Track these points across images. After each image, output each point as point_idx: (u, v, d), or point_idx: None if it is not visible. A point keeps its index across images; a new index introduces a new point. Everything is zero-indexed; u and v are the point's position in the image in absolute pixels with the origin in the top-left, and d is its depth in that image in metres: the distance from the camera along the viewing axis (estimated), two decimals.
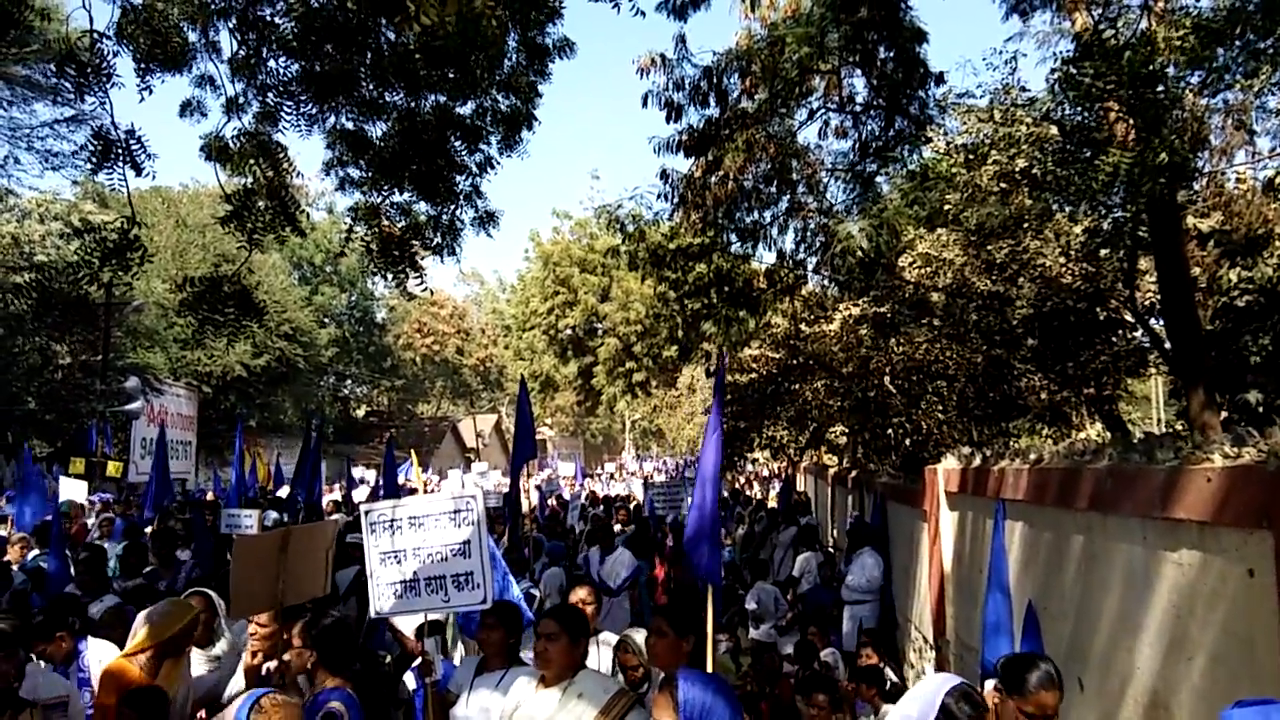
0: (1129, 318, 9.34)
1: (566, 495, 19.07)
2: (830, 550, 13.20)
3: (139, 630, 4.03)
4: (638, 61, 10.58)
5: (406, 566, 3.91)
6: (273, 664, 3.95)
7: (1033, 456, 4.60)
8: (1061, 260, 8.80)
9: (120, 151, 5.52)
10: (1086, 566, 3.99)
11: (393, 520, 3.95)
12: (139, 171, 5.55)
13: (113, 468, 18.79)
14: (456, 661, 4.77)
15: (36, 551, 8.57)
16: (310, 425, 12.29)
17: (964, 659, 5.89)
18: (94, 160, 5.58)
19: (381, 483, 14.44)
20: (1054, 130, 8.10)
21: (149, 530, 10.28)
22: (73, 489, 14.44)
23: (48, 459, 22.88)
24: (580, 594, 4.88)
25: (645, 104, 10.90)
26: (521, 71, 7.24)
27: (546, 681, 3.49)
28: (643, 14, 5.54)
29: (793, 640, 8.16)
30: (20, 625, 3.23)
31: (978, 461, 5.71)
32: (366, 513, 4.02)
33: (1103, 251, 8.69)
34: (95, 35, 5.46)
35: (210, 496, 17.34)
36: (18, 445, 23.15)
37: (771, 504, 16.74)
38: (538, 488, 17.53)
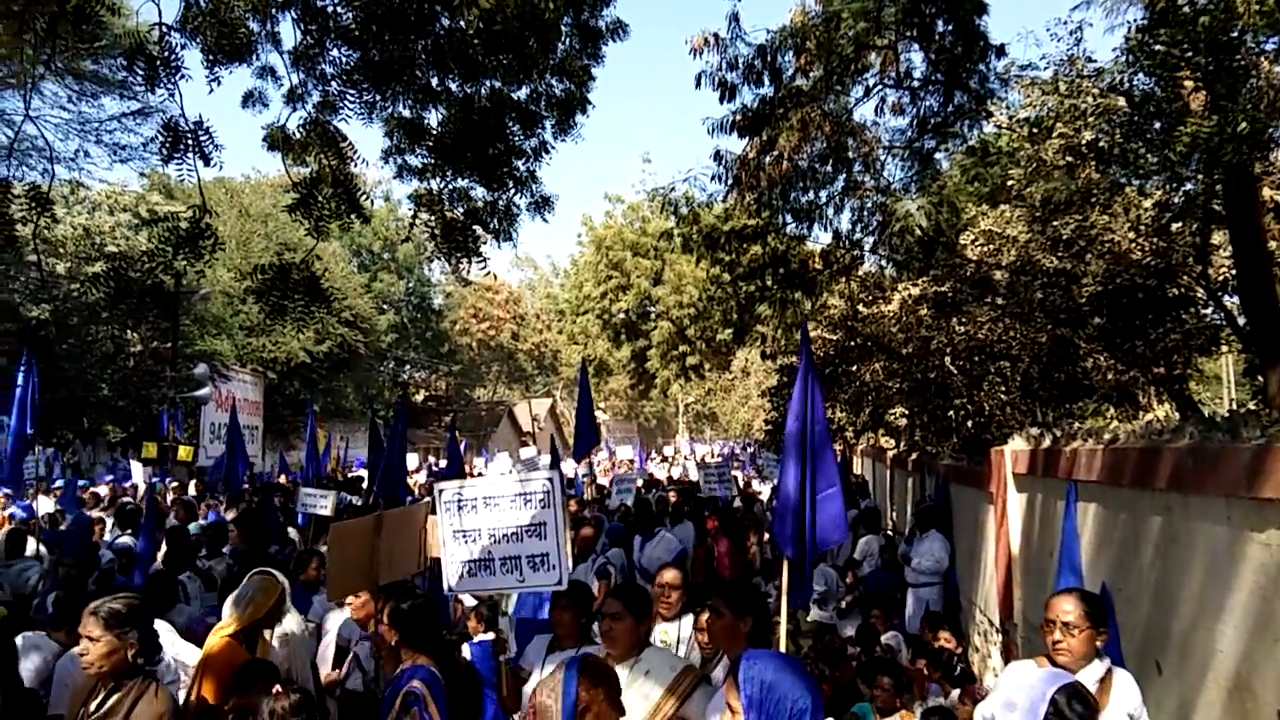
0: (1201, 294, 9.04)
1: (603, 480, 19.08)
2: (890, 534, 13.08)
3: (234, 608, 4.17)
4: (691, 41, 10.51)
5: (480, 545, 3.97)
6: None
7: (1107, 436, 4.49)
8: (1131, 235, 8.54)
9: (189, 142, 5.65)
10: (1165, 548, 3.88)
11: (467, 499, 4.00)
12: (207, 161, 5.66)
13: (184, 452, 19.38)
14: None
15: (119, 532, 8.86)
16: (374, 411, 12.54)
17: (1032, 642, 5.79)
18: (164, 151, 5.71)
19: (445, 465, 14.67)
20: (1122, 102, 7.83)
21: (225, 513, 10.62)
22: (139, 472, 14.96)
23: (121, 444, 23.72)
24: (667, 576, 4.87)
25: (698, 84, 10.83)
26: (575, 55, 7.24)
27: (613, 659, 3.52)
28: None
29: (853, 623, 8.10)
30: (136, 604, 3.29)
31: (1047, 442, 5.59)
32: (440, 491, 4.07)
33: (1174, 225, 8.41)
34: (164, 28, 5.59)
35: (283, 479, 17.78)
36: (94, 431, 24.05)
37: None
38: (593, 474, 17.67)
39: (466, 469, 16.80)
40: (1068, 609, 3.32)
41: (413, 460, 23.12)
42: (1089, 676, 3.23)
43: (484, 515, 3.99)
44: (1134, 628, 4.03)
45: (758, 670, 2.38)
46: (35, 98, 18.39)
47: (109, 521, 9.98)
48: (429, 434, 41.16)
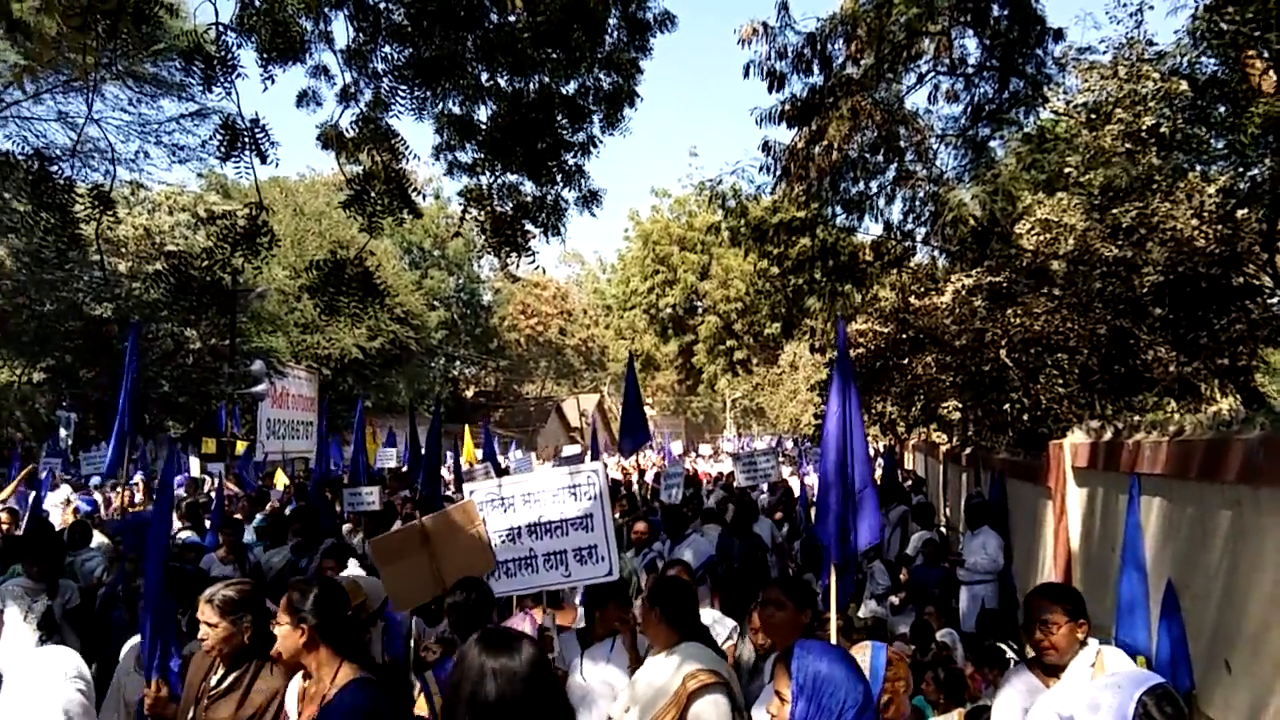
0: (1268, 283, 8.74)
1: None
2: (943, 530, 12.88)
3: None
4: (739, 31, 10.44)
5: (522, 544, 3.92)
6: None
7: (1172, 428, 4.36)
8: (1194, 223, 8.27)
9: (246, 141, 5.76)
10: (1234, 543, 3.76)
11: (504, 498, 3.96)
12: (264, 159, 5.78)
13: (241, 447, 19.81)
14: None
15: (179, 526, 9.07)
16: (413, 407, 12.71)
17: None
18: (222, 150, 5.84)
19: (481, 460, 14.77)
20: (1184, 85, 7.60)
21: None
22: (196, 467, 15.36)
23: (182, 439, 24.33)
24: (670, 573, 4.87)
25: (747, 74, 10.76)
26: (623, 48, 7.23)
27: (654, 651, 3.52)
28: None
29: (907, 620, 8.00)
30: (248, 590, 3.42)
31: (1109, 435, 5.45)
32: (472, 493, 4.02)
33: (1240, 212, 8.13)
34: (220, 28, 5.70)
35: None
36: (156, 426, 24.71)
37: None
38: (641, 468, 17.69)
39: (503, 463, 16.97)
40: (1042, 608, 3.39)
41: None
42: (1080, 663, 3.30)
43: (523, 512, 3.94)
44: (1202, 625, 3.91)
45: (811, 660, 2.33)
46: (97, 100, 18.92)
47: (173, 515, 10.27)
48: (478, 429, 41.55)
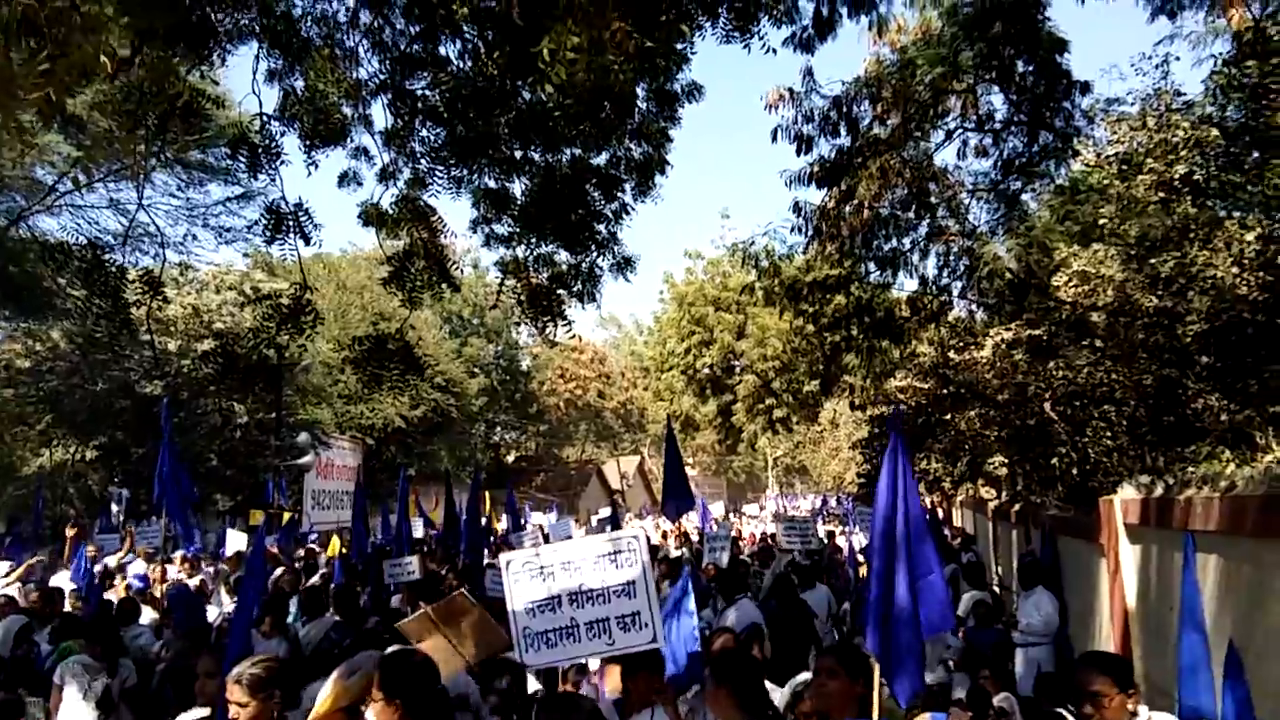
0: None
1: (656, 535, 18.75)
2: (995, 589, 12.54)
3: (342, 680, 4.25)
4: (766, 97, 10.63)
5: (563, 613, 3.83)
6: None
7: (1223, 484, 4.26)
8: (1234, 270, 8.16)
9: (290, 224, 5.97)
10: None
11: (542, 567, 3.89)
12: (308, 241, 5.98)
13: (288, 519, 19.97)
14: None
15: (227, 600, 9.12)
16: (449, 474, 12.79)
17: (1155, 703, 5.45)
18: (267, 232, 6.05)
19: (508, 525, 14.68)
20: (1215, 133, 7.58)
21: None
22: (237, 541, 15.50)
23: (230, 512, 24.63)
24: (718, 642, 4.81)
25: (775, 139, 10.89)
26: (652, 119, 7.40)
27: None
28: (774, 51, 5.57)
29: (962, 685, 7.76)
30: (274, 666, 3.49)
31: (1159, 491, 5.34)
32: (508, 563, 3.96)
33: None
34: (265, 118, 5.95)
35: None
36: (204, 500, 25.06)
37: None
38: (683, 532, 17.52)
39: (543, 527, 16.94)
40: (1091, 679, 3.30)
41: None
42: None
43: (562, 579, 3.84)
44: (1265, 686, 3.77)
45: None
46: (146, 187, 19.69)
47: (221, 589, 10.36)
48: (520, 494, 41.55)
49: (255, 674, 3.37)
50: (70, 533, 11.98)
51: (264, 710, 3.32)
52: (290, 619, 8.20)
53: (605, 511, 27.22)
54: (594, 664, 5.53)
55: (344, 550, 16.52)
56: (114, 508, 20.28)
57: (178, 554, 13.17)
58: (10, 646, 6.71)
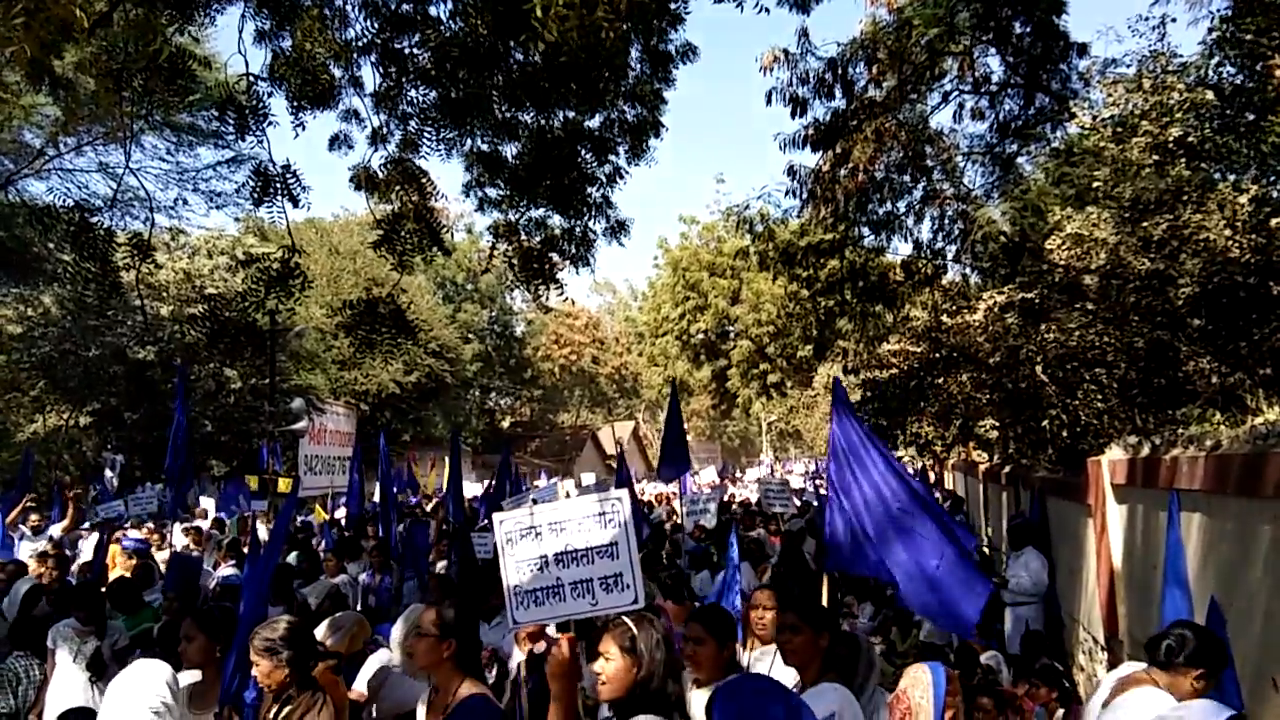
0: None
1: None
2: (985, 550, 12.67)
3: (331, 633, 4.36)
4: (760, 59, 10.52)
5: (550, 573, 3.89)
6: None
7: (1209, 443, 4.30)
8: (1227, 233, 8.15)
9: (278, 186, 5.93)
10: (1276, 558, 3.69)
11: (532, 527, 3.95)
12: (296, 203, 5.94)
13: (283, 484, 20.04)
14: None
15: (231, 567, 9.13)
16: (456, 439, 12.84)
17: (1139, 658, 5.54)
18: (255, 195, 6.01)
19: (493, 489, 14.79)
20: (1210, 95, 7.53)
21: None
22: (207, 504, 15.65)
23: (225, 477, 24.71)
24: (761, 596, 4.84)
25: (769, 101, 10.82)
26: (646, 80, 7.33)
27: (699, 684, 3.51)
28: (766, 10, 5.52)
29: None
30: (292, 627, 3.59)
31: (1146, 451, 5.38)
32: (501, 522, 4.01)
33: (1273, 221, 8.01)
34: (251, 79, 5.88)
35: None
36: (198, 466, 25.11)
37: None
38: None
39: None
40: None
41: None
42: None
43: (549, 540, 3.90)
44: (1247, 642, 3.83)
45: (734, 709, 2.18)
46: (135, 150, 19.50)
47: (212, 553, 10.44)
48: (515, 459, 41.73)
49: (267, 636, 3.50)
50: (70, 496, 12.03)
51: (274, 667, 3.44)
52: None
53: (590, 478, 27.31)
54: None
55: (330, 516, 16.66)
56: (108, 473, 20.33)
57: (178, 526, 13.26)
58: (18, 609, 6.79)
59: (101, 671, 5.52)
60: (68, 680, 5.28)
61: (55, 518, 12.30)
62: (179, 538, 11.06)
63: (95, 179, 20.85)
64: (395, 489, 14.74)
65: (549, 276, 7.18)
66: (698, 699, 3.47)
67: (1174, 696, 3.15)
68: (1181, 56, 8.10)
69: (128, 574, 8.34)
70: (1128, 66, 8.93)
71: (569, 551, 3.85)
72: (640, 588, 3.83)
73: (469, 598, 6.68)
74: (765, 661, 4.79)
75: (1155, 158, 7.59)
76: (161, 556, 9.59)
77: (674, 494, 17.14)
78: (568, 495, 17.88)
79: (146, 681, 3.47)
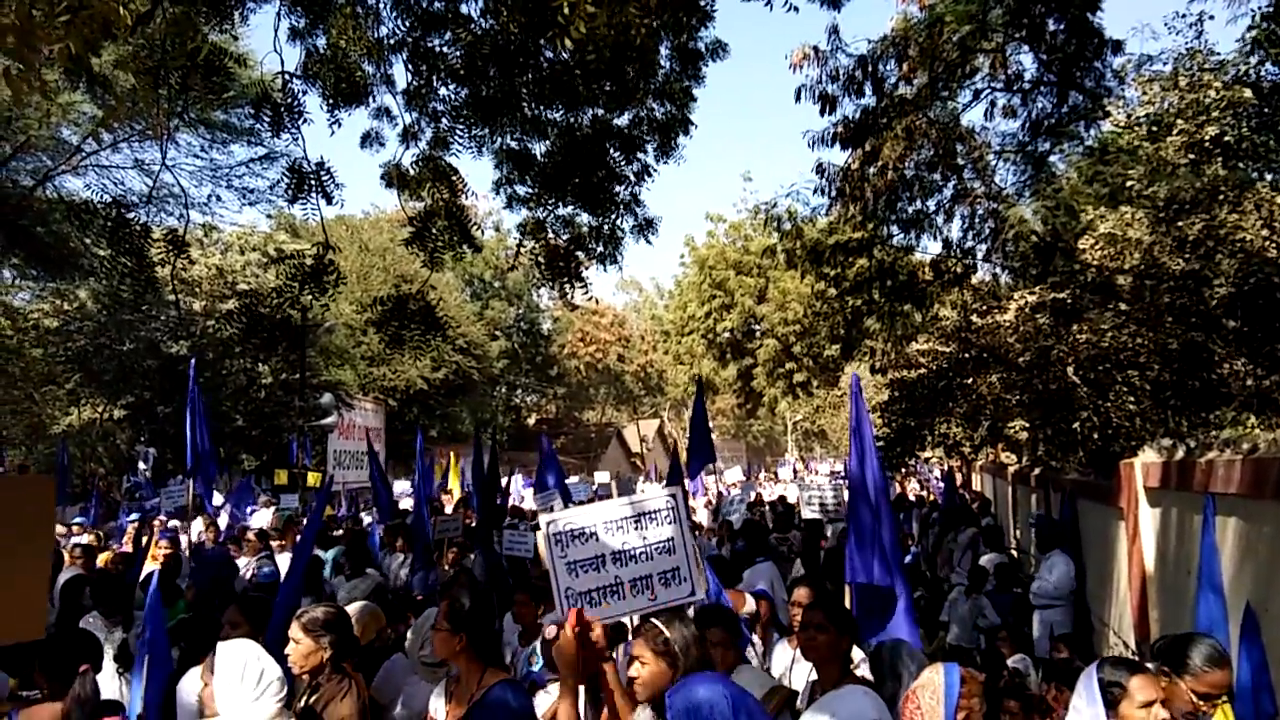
0: None
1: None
2: (1014, 553, 12.55)
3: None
4: (790, 57, 10.50)
5: (608, 572, 3.98)
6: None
7: (1245, 446, 4.23)
8: (1264, 233, 8.02)
9: (313, 183, 5.99)
10: None
11: (580, 527, 4.01)
12: (330, 200, 6.00)
13: (312, 478, 20.27)
14: None
15: (265, 560, 9.19)
16: (479, 435, 12.91)
17: None
18: (290, 192, 6.08)
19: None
20: (1248, 93, 7.41)
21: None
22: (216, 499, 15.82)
23: (255, 472, 25.02)
24: (799, 594, 4.88)
25: (798, 98, 10.80)
26: (675, 78, 7.32)
27: (822, 682, 3.55)
28: (796, 9, 5.48)
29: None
30: (335, 613, 3.70)
31: (1181, 454, 5.31)
32: (548, 524, 4.07)
33: None
34: (286, 76, 5.95)
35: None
36: (230, 460, 25.44)
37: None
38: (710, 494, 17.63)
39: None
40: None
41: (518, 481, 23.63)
42: None
43: (606, 540, 3.99)
44: None
45: (683, 694, 2.31)
46: (171, 148, 19.75)
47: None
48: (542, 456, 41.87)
49: (314, 616, 3.58)
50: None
51: (314, 649, 3.49)
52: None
53: (603, 476, 27.22)
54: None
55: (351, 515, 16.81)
56: (141, 466, 20.63)
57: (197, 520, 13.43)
58: (59, 600, 6.89)
59: (129, 663, 5.58)
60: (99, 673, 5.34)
61: (94, 509, 12.50)
62: (197, 532, 11.21)
63: (131, 175, 21.16)
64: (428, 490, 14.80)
65: (574, 275, 7.20)
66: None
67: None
68: (1219, 54, 7.99)
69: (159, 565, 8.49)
70: (1164, 64, 8.82)
71: (626, 550, 3.93)
72: (698, 580, 3.91)
73: (490, 591, 6.72)
74: (787, 655, 4.81)
75: (1191, 156, 7.49)
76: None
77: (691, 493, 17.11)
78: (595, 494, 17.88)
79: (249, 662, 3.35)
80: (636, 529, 3.95)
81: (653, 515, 3.96)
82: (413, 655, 3.98)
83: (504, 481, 15.33)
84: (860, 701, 3.22)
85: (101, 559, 9.17)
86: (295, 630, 3.52)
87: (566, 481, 14.29)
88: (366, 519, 14.31)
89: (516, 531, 9.02)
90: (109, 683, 5.25)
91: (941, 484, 16.06)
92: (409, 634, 4.05)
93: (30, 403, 23.79)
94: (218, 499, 16.53)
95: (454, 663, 3.44)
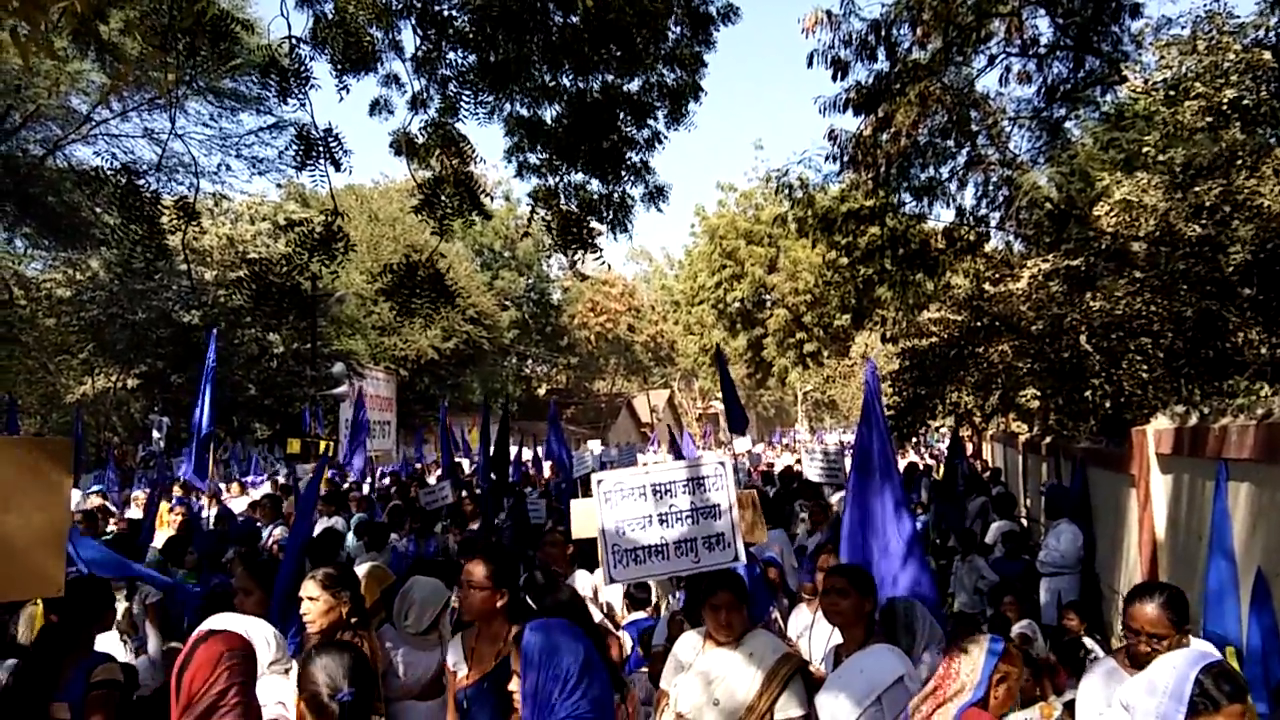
0: None
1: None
2: (1024, 521, 12.56)
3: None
4: (803, 20, 10.36)
5: (653, 531, 4.08)
6: None
7: (1260, 412, 4.21)
8: None
9: (321, 150, 5.96)
10: None
11: (630, 487, 4.12)
12: (338, 167, 5.98)
13: (324, 447, 20.41)
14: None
15: (279, 527, 9.28)
16: (488, 404, 12.97)
17: None
18: (298, 159, 6.05)
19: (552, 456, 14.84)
20: (1268, 56, 7.28)
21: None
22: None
23: (268, 440, 25.21)
24: (823, 560, 4.94)
25: (810, 63, 10.68)
26: (686, 43, 7.24)
27: (719, 641, 3.57)
28: None
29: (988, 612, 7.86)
30: (351, 572, 3.78)
31: (1194, 420, 5.29)
32: (599, 481, 4.18)
33: None
34: (294, 41, 5.91)
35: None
36: (242, 429, 25.64)
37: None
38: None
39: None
40: (1151, 618, 3.18)
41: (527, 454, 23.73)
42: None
43: (654, 502, 4.10)
44: None
45: (537, 637, 2.69)
46: (180, 116, 19.72)
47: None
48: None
49: (329, 571, 3.62)
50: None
51: (333, 605, 3.53)
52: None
53: (596, 445, 27.30)
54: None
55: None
56: (155, 434, 20.81)
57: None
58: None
59: (134, 630, 5.58)
60: (101, 639, 5.21)
61: (111, 474, 12.59)
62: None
63: (140, 144, 21.19)
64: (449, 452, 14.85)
65: (587, 242, 7.17)
66: (719, 654, 3.53)
67: None
68: (1238, 17, 7.84)
69: (174, 531, 8.59)
70: (1182, 28, 8.66)
71: (674, 512, 4.04)
72: (740, 547, 4.01)
73: (515, 555, 6.80)
74: (806, 618, 4.86)
75: (1208, 120, 7.38)
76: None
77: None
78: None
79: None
80: (685, 492, 4.07)
81: (701, 481, 4.07)
82: (399, 624, 3.98)
83: (514, 451, 15.38)
84: (888, 658, 3.35)
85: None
86: (313, 588, 3.54)
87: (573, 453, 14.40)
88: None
89: (530, 499, 9.12)
90: (115, 650, 5.09)
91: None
92: (395, 602, 4.06)
93: (44, 372, 24.00)
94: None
95: (488, 623, 3.52)
